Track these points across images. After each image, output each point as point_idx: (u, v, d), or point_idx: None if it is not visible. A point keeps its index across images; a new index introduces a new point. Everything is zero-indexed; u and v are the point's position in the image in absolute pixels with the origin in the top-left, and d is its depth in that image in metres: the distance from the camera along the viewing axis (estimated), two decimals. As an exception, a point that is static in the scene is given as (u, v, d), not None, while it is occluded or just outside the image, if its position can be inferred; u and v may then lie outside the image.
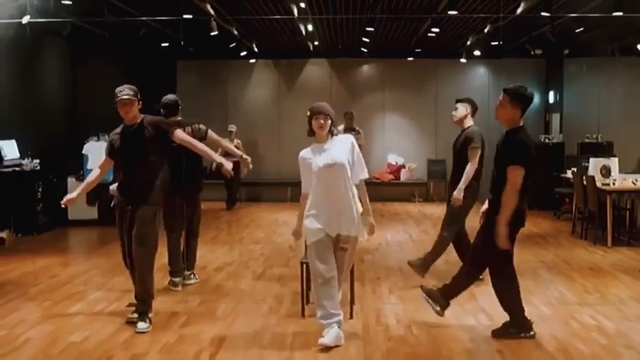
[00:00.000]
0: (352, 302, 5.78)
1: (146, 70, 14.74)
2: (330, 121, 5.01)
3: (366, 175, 5.09)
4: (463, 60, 14.45)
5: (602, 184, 9.27)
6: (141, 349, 4.85)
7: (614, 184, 9.25)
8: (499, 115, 5.00)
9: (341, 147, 4.99)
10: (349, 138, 5.10)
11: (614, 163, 9.78)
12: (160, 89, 15.65)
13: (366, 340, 5.09)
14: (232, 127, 13.90)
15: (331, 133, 5.03)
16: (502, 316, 5.46)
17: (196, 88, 15.72)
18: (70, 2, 8.28)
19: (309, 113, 5.01)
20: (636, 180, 9.31)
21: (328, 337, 4.81)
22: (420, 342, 5.04)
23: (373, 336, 5.20)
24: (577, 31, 10.79)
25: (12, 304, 6.17)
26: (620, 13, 8.51)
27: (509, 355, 4.73)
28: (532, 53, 14.12)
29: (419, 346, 4.95)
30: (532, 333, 5.07)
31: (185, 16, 9.23)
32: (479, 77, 15.50)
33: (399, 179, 15.28)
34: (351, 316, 5.61)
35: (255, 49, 14.19)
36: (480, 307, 5.98)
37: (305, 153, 5.11)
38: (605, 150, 12.61)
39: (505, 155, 4.88)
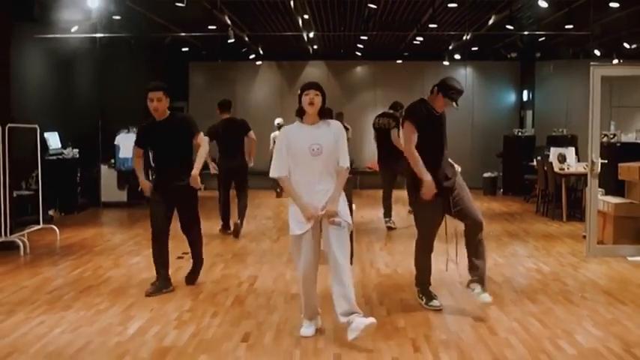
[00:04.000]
0: (351, 255, 7.50)
1: (162, 70, 16.46)
2: (321, 98, 4.65)
3: (346, 164, 4.70)
4: (446, 63, 16.21)
5: (559, 169, 11.06)
6: (199, 281, 6.58)
7: (568, 168, 11.04)
8: (159, 110, 6.02)
9: (329, 131, 4.68)
10: (338, 124, 4.81)
11: (570, 151, 11.57)
12: (174, 88, 17.42)
13: (362, 276, 6.84)
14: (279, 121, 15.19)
15: (322, 115, 4.73)
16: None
17: (206, 87, 17.45)
18: (119, 17, 9.98)
19: (299, 91, 4.70)
20: (585, 166, 11.05)
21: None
22: (403, 277, 6.80)
23: (368, 274, 6.95)
24: (540, 40, 12.58)
25: (85, 258, 7.87)
26: (571, 26, 10.27)
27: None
28: (507, 56, 15.93)
29: (402, 280, 6.71)
30: (170, 288, 6.22)
31: (210, 27, 10.94)
32: (461, 78, 17.25)
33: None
34: (351, 263, 7.33)
35: (261, 52, 15.89)
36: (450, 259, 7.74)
37: (288, 130, 4.73)
38: (569, 142, 14.35)
39: (185, 130, 6.14)
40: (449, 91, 5.42)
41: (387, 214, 10.03)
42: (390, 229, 9.88)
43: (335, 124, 4.78)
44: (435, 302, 5.69)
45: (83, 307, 5.69)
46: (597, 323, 5.26)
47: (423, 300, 5.76)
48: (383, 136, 9.99)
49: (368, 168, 16.60)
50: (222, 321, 5.28)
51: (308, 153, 4.58)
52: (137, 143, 6.40)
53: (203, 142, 6.29)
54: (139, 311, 5.55)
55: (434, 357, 4.49)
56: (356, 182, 15.27)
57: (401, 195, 10.78)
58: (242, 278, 6.79)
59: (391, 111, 10.43)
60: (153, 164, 6.58)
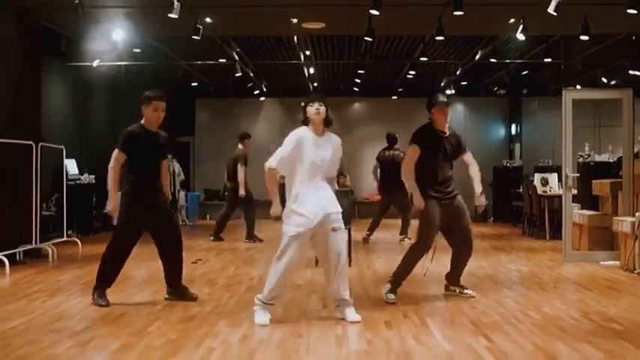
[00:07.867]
0: (350, 259, 8.30)
1: (171, 105, 17.45)
2: (324, 108, 5.27)
3: (333, 174, 5.53)
4: (438, 98, 17.23)
5: (542, 191, 11.93)
6: (212, 277, 7.37)
7: (550, 191, 11.92)
8: (161, 120, 5.96)
9: (332, 148, 5.34)
10: (339, 142, 5.45)
11: (552, 176, 12.46)
12: (181, 124, 18.39)
13: (360, 276, 7.63)
14: None
15: (327, 123, 5.35)
16: (444, 267, 8.04)
17: (212, 122, 18.44)
18: (139, 50, 10.99)
19: (303, 103, 5.26)
20: (567, 187, 11.94)
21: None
22: (396, 274, 7.59)
23: (365, 274, 7.76)
24: (523, 73, 13.64)
25: (108, 263, 8.64)
26: (549, 60, 11.28)
27: (454, 279, 7.26)
28: (496, 92, 16.99)
29: (395, 276, 7.49)
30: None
31: (220, 58, 11.99)
32: (453, 113, 18.25)
33: (386, 199, 17.86)
34: (350, 265, 8.12)
35: (264, 89, 16.92)
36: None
37: (304, 136, 5.26)
38: (554, 171, 15.24)
39: (166, 146, 6.15)
40: (432, 99, 6.05)
41: (371, 229, 11.44)
42: (365, 240, 11.24)
43: (337, 142, 5.40)
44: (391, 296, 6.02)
45: (114, 292, 6.44)
46: (564, 302, 6.06)
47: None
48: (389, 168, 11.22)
49: (365, 199, 17.46)
50: (238, 300, 6.08)
51: (316, 163, 5.20)
52: (124, 149, 5.66)
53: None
54: (163, 295, 6.32)
55: (420, 321, 5.28)
56: (355, 212, 16.09)
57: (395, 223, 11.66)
58: (252, 275, 7.59)
59: (397, 146, 11.72)
60: (129, 175, 5.90)
